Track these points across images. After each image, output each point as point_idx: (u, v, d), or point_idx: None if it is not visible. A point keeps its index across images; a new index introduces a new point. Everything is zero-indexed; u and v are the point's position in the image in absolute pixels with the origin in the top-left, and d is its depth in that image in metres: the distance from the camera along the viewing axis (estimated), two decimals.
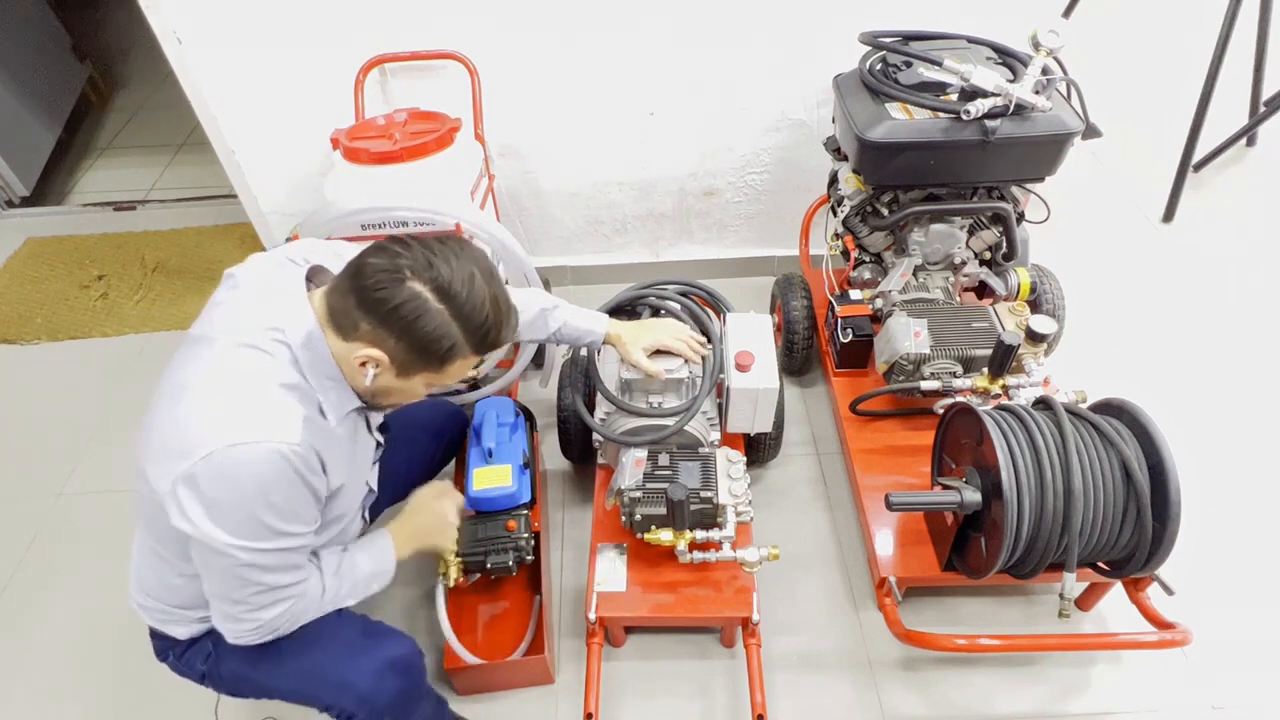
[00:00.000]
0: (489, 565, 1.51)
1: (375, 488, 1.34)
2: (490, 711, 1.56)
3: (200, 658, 1.23)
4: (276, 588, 1.09)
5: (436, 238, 1.07)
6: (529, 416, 1.80)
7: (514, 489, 1.55)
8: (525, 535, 1.54)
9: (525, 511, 1.57)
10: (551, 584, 1.77)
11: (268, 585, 1.08)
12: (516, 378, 1.96)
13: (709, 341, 1.71)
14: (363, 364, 1.06)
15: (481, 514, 1.57)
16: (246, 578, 1.06)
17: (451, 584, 1.51)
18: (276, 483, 1.01)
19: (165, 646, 1.25)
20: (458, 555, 1.51)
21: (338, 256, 1.21)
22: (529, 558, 1.55)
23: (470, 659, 1.50)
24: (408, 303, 1.01)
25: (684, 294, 1.87)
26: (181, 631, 1.22)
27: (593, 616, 1.53)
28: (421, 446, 1.65)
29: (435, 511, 1.43)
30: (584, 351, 1.77)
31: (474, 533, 1.53)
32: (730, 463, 1.56)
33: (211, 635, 1.22)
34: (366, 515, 1.39)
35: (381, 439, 1.33)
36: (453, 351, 1.07)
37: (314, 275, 1.16)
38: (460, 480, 1.73)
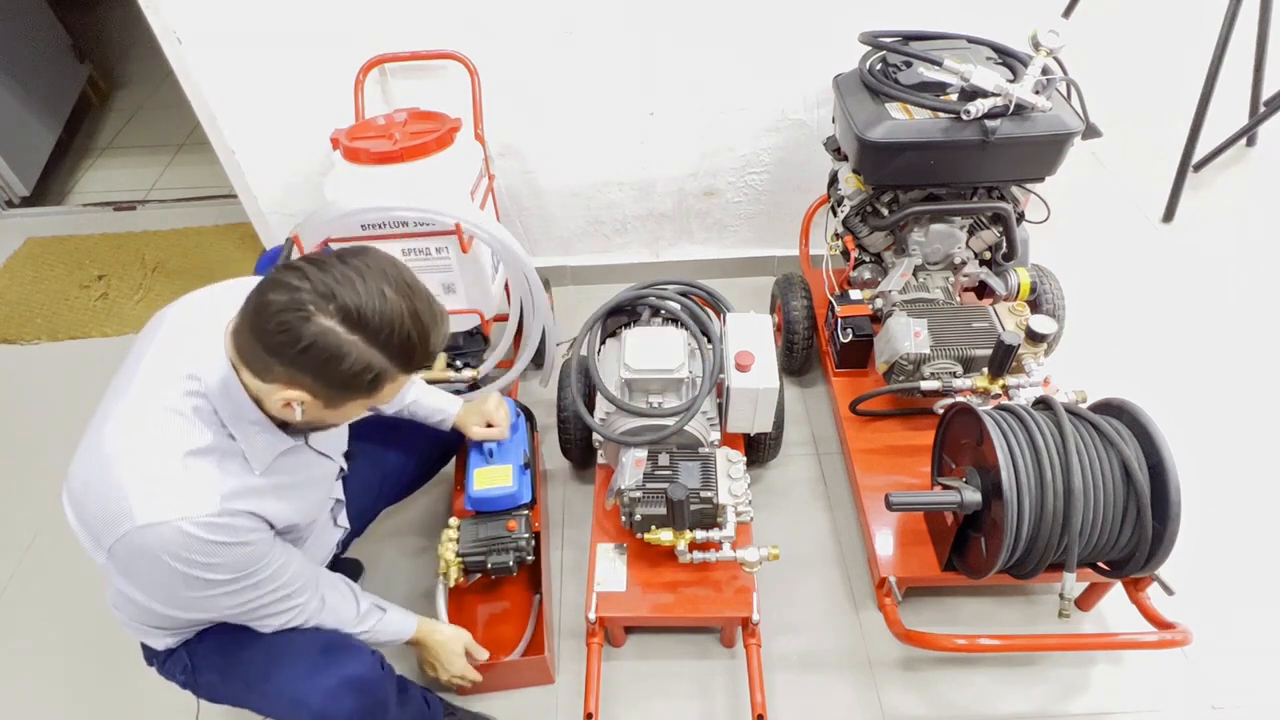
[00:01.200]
0: (489, 565, 1.51)
1: (341, 497, 1.35)
2: (490, 712, 1.56)
3: (178, 669, 1.24)
4: (268, 604, 1.13)
5: (339, 253, 0.96)
6: (529, 416, 1.80)
7: (514, 489, 1.55)
8: (525, 535, 1.54)
9: (526, 511, 1.58)
10: (551, 584, 1.77)
11: (257, 606, 1.12)
12: (516, 377, 1.96)
13: (709, 342, 1.71)
14: (286, 404, 0.98)
15: (482, 514, 1.57)
16: (235, 611, 1.11)
17: (452, 584, 1.51)
18: (200, 555, 0.98)
19: (150, 654, 1.27)
20: (458, 555, 1.51)
21: None
22: (529, 558, 1.55)
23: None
24: (316, 342, 0.91)
25: (684, 294, 1.87)
26: (158, 643, 1.23)
27: (593, 616, 1.53)
28: (414, 449, 1.63)
29: (451, 648, 1.46)
30: (584, 351, 1.77)
31: (474, 533, 1.53)
32: (730, 463, 1.56)
33: (187, 647, 1.23)
34: (344, 522, 1.40)
35: (344, 462, 1.31)
36: (380, 378, 0.98)
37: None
38: (460, 480, 1.73)
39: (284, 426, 1.08)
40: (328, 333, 0.91)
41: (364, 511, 1.51)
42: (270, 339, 0.92)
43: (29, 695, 1.68)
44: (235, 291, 1.08)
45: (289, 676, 1.17)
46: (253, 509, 1.04)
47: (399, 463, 1.60)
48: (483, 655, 1.48)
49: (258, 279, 1.07)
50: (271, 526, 1.09)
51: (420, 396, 1.55)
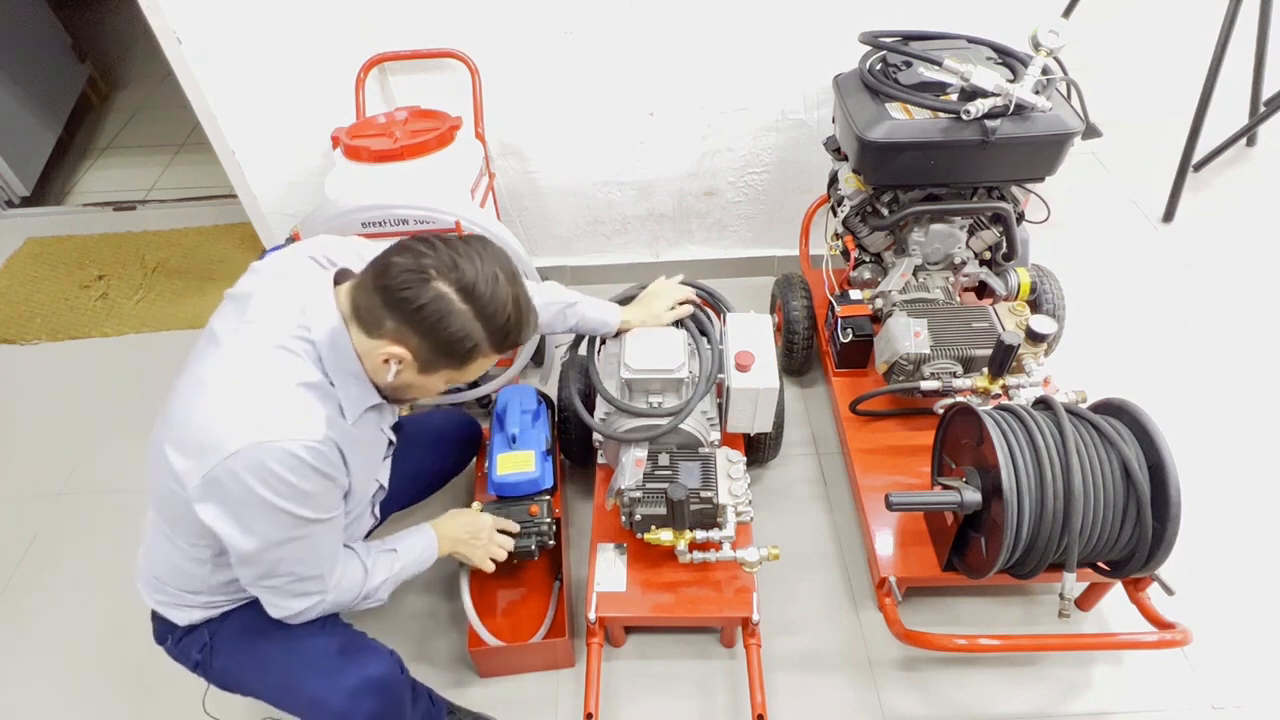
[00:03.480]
0: (512, 549, 1.52)
1: (385, 484, 1.35)
2: (490, 712, 1.56)
3: (196, 647, 1.24)
4: (306, 578, 1.13)
5: (461, 238, 1.09)
6: (550, 404, 1.81)
7: (537, 474, 1.57)
8: (547, 520, 1.55)
9: (547, 497, 1.59)
10: (572, 569, 1.78)
11: (297, 575, 1.12)
12: (516, 375, 1.96)
13: (709, 343, 1.71)
14: (385, 360, 1.08)
15: (505, 499, 1.58)
16: (275, 570, 1.10)
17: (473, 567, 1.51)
18: (300, 479, 1.03)
19: (165, 630, 1.27)
20: None
21: (359, 256, 1.22)
22: (551, 542, 1.56)
23: (493, 641, 1.52)
24: (432, 302, 1.03)
25: None
26: (181, 617, 1.23)
27: (593, 616, 1.53)
28: (435, 454, 1.67)
29: (473, 524, 1.46)
30: (583, 350, 1.77)
31: None
32: (730, 463, 1.56)
33: (209, 626, 1.23)
34: (377, 512, 1.39)
35: (394, 438, 1.33)
36: (475, 350, 1.09)
37: (340, 276, 1.16)
38: (483, 466, 1.74)
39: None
40: (443, 297, 1.03)
41: (389, 504, 1.52)
42: (390, 294, 1.03)
43: (29, 695, 1.68)
44: (331, 251, 1.19)
45: (309, 675, 1.18)
46: (343, 449, 1.10)
47: (426, 462, 1.65)
48: (514, 526, 1.51)
49: (342, 240, 1.24)
50: (348, 475, 1.14)
51: (586, 312, 1.62)
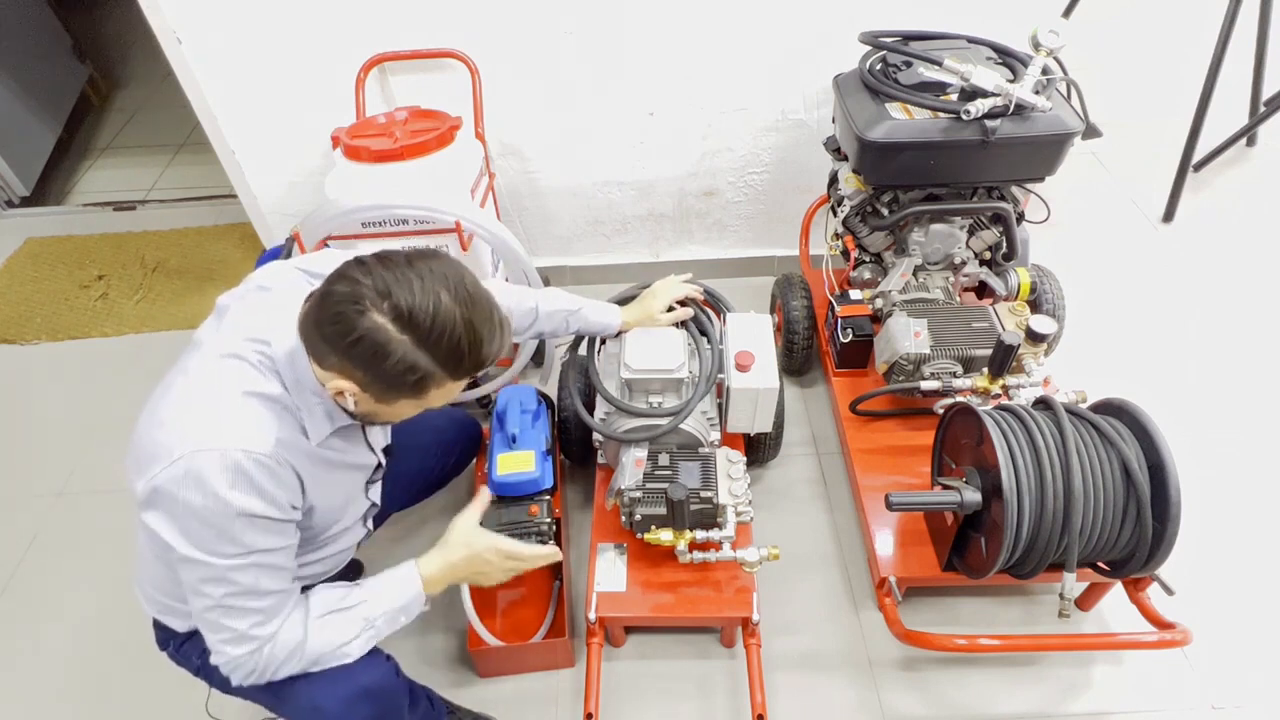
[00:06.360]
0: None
1: (378, 501, 1.33)
2: (491, 712, 1.56)
3: (196, 653, 1.24)
4: (242, 611, 1.04)
5: (409, 254, 1.00)
6: (550, 404, 1.81)
7: (537, 474, 1.57)
8: (547, 520, 1.55)
9: (547, 497, 1.59)
10: (572, 569, 1.78)
11: (230, 607, 1.03)
12: (515, 376, 1.96)
13: (709, 343, 1.71)
14: (339, 394, 1.02)
15: (505, 499, 1.59)
16: (209, 593, 1.02)
17: None
18: (238, 492, 0.98)
19: (166, 637, 1.27)
20: None
21: None
22: (551, 542, 1.55)
23: (493, 641, 1.52)
24: (367, 335, 0.95)
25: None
26: (180, 625, 1.23)
27: (593, 616, 1.53)
28: (435, 454, 1.66)
29: (478, 553, 1.27)
30: (583, 350, 1.77)
31: (497, 517, 1.55)
32: (730, 463, 1.56)
33: None
34: (370, 524, 1.38)
35: (384, 460, 1.30)
36: (427, 380, 1.00)
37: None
38: (483, 465, 1.74)
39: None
40: (378, 329, 0.95)
41: (389, 504, 1.51)
42: (326, 329, 0.97)
43: (29, 695, 1.68)
44: (326, 264, 1.12)
45: (305, 682, 1.16)
46: (298, 468, 1.05)
47: (426, 463, 1.63)
48: (524, 551, 1.31)
49: (338, 252, 1.18)
50: (303, 498, 1.08)
51: (588, 314, 1.60)
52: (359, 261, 0.98)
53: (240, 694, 1.26)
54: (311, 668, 1.12)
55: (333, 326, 0.96)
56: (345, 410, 1.08)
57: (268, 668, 1.08)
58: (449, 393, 1.06)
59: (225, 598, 1.03)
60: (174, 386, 1.04)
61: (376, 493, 1.32)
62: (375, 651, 1.23)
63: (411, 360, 0.97)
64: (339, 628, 1.13)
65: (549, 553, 1.33)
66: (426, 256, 1.00)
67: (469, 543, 1.26)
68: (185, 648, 1.25)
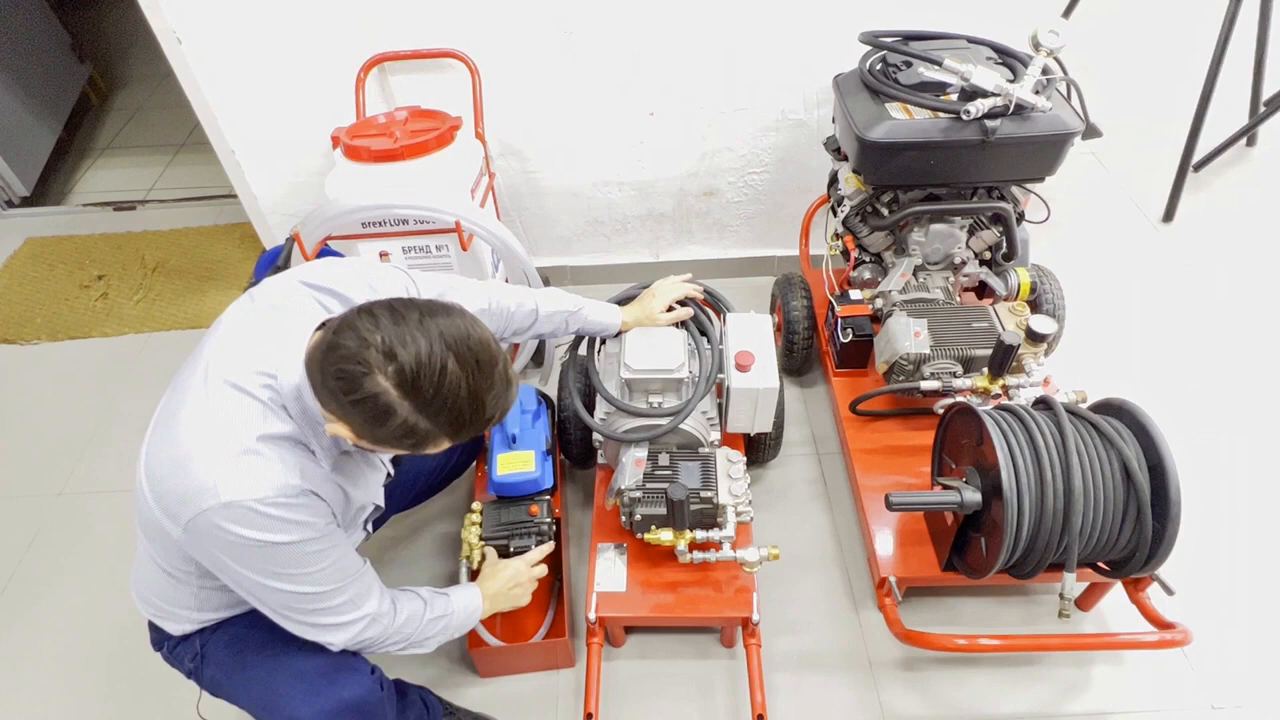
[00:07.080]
0: (512, 549, 1.52)
1: (381, 504, 1.34)
2: (490, 712, 1.56)
3: (188, 655, 1.25)
4: (327, 608, 1.11)
5: (421, 309, 0.97)
6: (551, 404, 1.81)
7: (537, 474, 1.57)
8: (547, 520, 1.55)
9: (547, 497, 1.59)
10: (572, 569, 1.78)
11: (313, 608, 1.11)
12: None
13: (709, 343, 1.71)
14: (334, 434, 1.03)
15: (505, 498, 1.59)
16: (290, 604, 1.10)
17: (475, 566, 1.51)
18: (264, 536, 1.00)
19: (160, 638, 1.28)
20: (481, 539, 1.52)
21: (370, 288, 1.16)
22: (550, 542, 1.56)
23: (493, 641, 1.52)
24: (369, 400, 0.94)
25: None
26: (174, 627, 1.24)
27: (593, 616, 1.53)
28: (433, 456, 1.63)
29: (512, 574, 1.44)
30: (583, 350, 1.77)
31: (497, 517, 1.55)
32: (730, 463, 1.55)
33: (201, 636, 1.24)
34: (369, 528, 1.39)
35: (392, 470, 1.32)
36: (426, 439, 1.00)
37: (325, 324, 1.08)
38: (483, 466, 1.75)
39: None
40: (382, 393, 0.93)
41: (390, 505, 1.52)
42: (330, 382, 0.95)
43: (29, 695, 1.68)
44: (338, 281, 1.14)
45: (288, 694, 1.17)
46: (319, 491, 1.07)
47: (426, 463, 1.64)
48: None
49: (359, 267, 1.19)
50: (333, 514, 1.11)
51: (589, 314, 1.60)
52: (369, 313, 0.96)
53: (228, 699, 1.27)
54: (407, 648, 1.26)
55: (337, 381, 0.95)
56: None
57: (385, 634, 1.19)
58: (444, 447, 1.05)
59: (300, 604, 1.10)
60: (185, 417, 1.02)
61: (380, 496, 1.33)
62: (360, 665, 1.23)
63: (412, 424, 0.96)
64: (436, 609, 1.28)
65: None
66: (437, 313, 0.97)
67: (495, 574, 1.43)
68: (179, 649, 1.26)
